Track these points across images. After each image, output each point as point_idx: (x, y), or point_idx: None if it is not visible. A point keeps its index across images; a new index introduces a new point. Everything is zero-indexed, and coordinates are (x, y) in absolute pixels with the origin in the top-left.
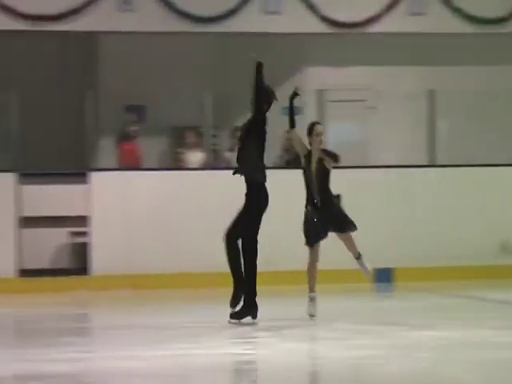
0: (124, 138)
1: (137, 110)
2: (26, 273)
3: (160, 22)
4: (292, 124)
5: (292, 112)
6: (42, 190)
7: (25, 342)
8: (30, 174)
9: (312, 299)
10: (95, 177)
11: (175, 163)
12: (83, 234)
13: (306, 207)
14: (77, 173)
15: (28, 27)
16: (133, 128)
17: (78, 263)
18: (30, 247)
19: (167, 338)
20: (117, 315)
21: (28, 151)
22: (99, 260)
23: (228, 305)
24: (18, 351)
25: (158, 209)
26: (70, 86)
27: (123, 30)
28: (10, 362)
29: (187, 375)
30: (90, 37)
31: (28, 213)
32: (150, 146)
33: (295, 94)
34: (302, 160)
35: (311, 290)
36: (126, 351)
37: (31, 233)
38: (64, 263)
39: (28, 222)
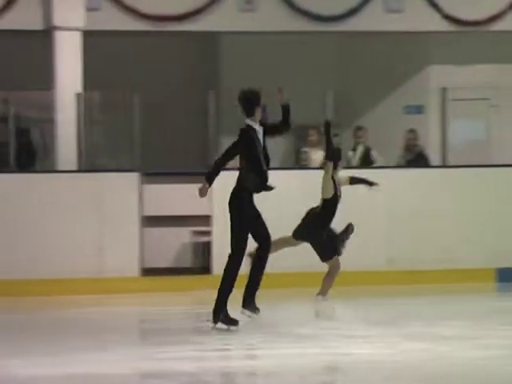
0: None
1: None
2: (148, 272)
3: (281, 21)
4: (330, 156)
5: (331, 143)
6: (164, 190)
7: (147, 341)
8: (152, 174)
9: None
10: (217, 176)
11: (297, 162)
12: (206, 233)
13: (324, 230)
14: (199, 172)
15: (150, 28)
16: None
17: (200, 262)
18: (153, 246)
19: (286, 337)
20: (238, 314)
21: (151, 151)
22: (221, 259)
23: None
24: (140, 350)
25: (282, 209)
26: (192, 86)
27: (245, 29)
28: (133, 361)
29: (304, 376)
30: (212, 37)
31: (151, 212)
32: (272, 145)
33: (328, 125)
34: (331, 192)
35: (325, 293)
36: (247, 350)
37: (154, 232)
38: (186, 262)
39: (151, 221)
